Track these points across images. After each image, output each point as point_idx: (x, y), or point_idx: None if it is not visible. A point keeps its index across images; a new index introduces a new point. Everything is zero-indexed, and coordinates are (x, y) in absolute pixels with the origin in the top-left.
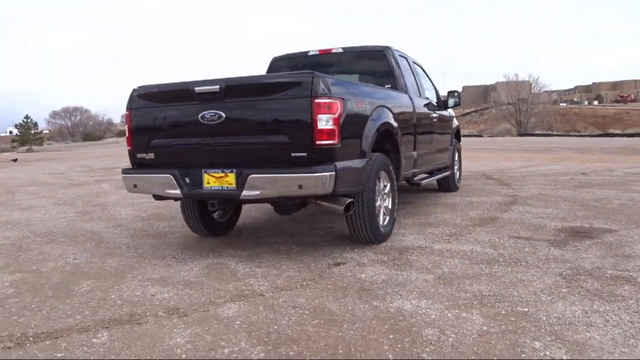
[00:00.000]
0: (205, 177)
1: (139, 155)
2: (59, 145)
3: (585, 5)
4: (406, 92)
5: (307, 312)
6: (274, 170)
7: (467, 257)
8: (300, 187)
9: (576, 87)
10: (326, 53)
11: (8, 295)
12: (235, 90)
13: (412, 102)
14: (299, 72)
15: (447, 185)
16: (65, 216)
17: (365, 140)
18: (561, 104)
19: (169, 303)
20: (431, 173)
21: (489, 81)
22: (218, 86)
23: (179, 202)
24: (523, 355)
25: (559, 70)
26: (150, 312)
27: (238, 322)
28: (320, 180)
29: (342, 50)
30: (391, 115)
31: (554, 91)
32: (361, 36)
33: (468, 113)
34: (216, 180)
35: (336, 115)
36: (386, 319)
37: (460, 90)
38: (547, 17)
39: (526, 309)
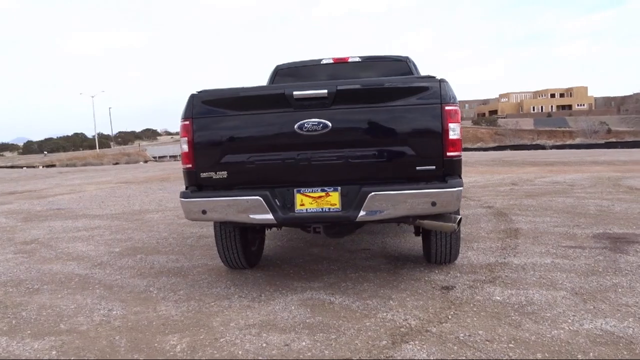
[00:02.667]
0: (299, 197)
1: (203, 175)
2: None
3: None
4: None
5: (511, 344)
6: (400, 187)
7: (563, 270)
8: (433, 204)
9: None
10: (341, 62)
11: None
12: (347, 95)
13: None
14: (422, 76)
15: None
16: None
17: None
18: None
19: (322, 353)
20: None
21: None
22: (326, 90)
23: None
24: None
25: None
26: None
27: None
28: (455, 196)
29: (359, 59)
30: None
31: None
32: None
33: None
34: (313, 202)
35: (460, 124)
36: (609, 343)
37: None
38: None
39: None
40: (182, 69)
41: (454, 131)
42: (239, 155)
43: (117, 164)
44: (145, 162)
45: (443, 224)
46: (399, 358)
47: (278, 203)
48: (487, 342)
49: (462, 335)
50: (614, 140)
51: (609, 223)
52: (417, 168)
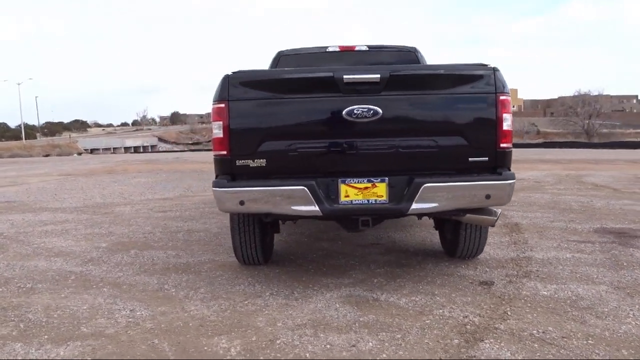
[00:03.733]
0: (343, 188)
1: (239, 163)
2: None
3: None
4: None
5: (590, 341)
6: (455, 179)
7: (588, 264)
8: (488, 197)
9: None
10: (348, 50)
11: None
12: (399, 81)
13: None
14: (476, 64)
15: None
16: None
17: None
18: None
19: (396, 354)
20: None
21: None
22: (379, 75)
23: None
24: None
25: None
26: None
27: None
28: (510, 188)
29: (366, 48)
30: None
31: None
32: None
33: None
34: (359, 193)
35: (512, 115)
36: None
37: None
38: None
39: None
40: (110, 61)
41: (507, 122)
42: (280, 142)
43: (47, 155)
44: (79, 154)
45: (486, 217)
46: (482, 358)
47: (322, 194)
48: (565, 339)
49: (535, 332)
50: (550, 140)
51: (600, 218)
52: (470, 159)
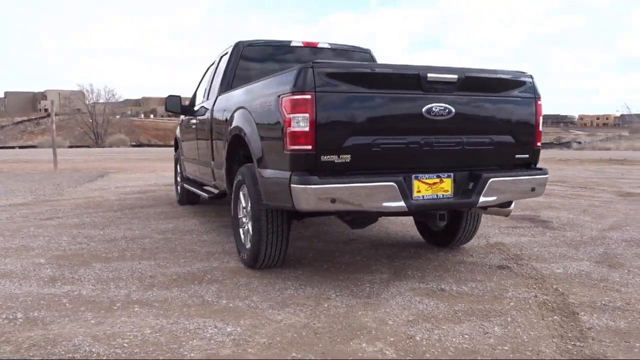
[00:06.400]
0: (416, 184)
1: (324, 158)
2: None
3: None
4: None
5: None
6: (509, 173)
7: (542, 245)
8: (533, 189)
9: (126, 101)
10: (310, 46)
11: None
12: (470, 82)
13: None
14: (521, 71)
15: None
16: None
17: None
18: (117, 117)
19: (527, 334)
20: None
21: (37, 88)
22: (456, 76)
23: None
24: None
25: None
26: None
27: None
28: (546, 182)
29: (329, 46)
30: None
31: (116, 102)
32: None
33: (21, 122)
34: (429, 188)
35: None
36: None
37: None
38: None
39: None
40: None
41: (540, 124)
42: (364, 137)
43: None
44: None
45: (505, 209)
46: (599, 327)
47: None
48: (629, 305)
49: (603, 302)
50: None
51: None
52: (516, 156)
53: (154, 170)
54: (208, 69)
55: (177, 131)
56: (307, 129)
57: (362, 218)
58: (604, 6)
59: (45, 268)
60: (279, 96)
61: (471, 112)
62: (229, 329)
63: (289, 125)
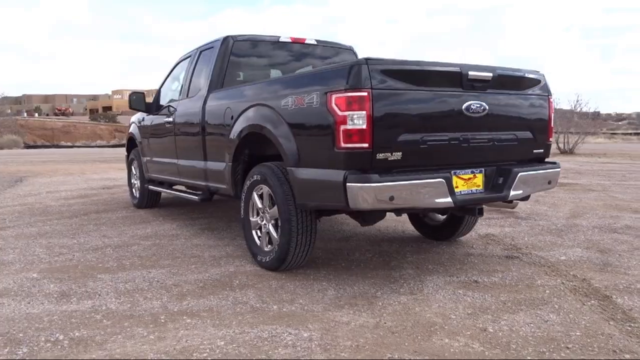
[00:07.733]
0: (454, 180)
1: (380, 156)
2: None
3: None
4: None
5: None
6: (534, 167)
7: (530, 235)
8: (549, 182)
9: (5, 98)
10: (298, 42)
11: None
12: (501, 81)
13: None
14: (536, 70)
15: None
16: None
17: None
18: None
19: (579, 320)
20: None
21: None
22: (491, 74)
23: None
24: None
25: None
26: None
27: None
28: (559, 175)
29: (315, 42)
30: None
31: None
32: None
33: None
34: (464, 183)
35: None
36: None
37: None
38: None
39: None
40: None
41: (552, 120)
42: (414, 134)
43: None
44: None
45: (512, 202)
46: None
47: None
48: None
49: (638, 286)
50: None
51: None
52: (534, 151)
53: (72, 174)
54: (177, 64)
55: (134, 130)
56: (364, 126)
57: (375, 215)
58: (484, 7)
59: (45, 283)
60: (325, 93)
61: (500, 109)
62: (305, 335)
63: (343, 123)
